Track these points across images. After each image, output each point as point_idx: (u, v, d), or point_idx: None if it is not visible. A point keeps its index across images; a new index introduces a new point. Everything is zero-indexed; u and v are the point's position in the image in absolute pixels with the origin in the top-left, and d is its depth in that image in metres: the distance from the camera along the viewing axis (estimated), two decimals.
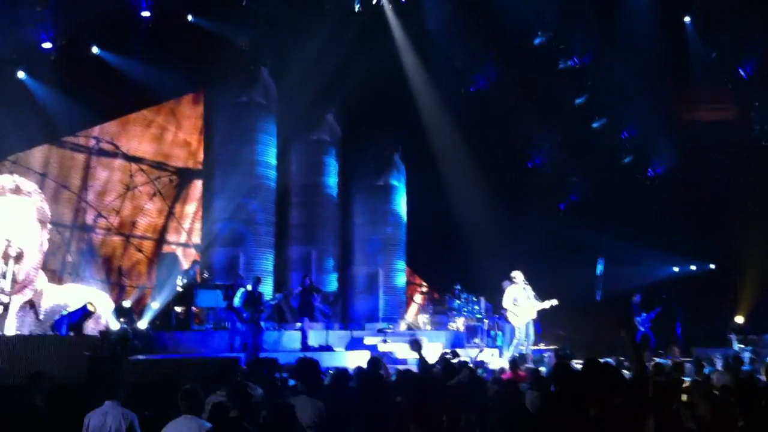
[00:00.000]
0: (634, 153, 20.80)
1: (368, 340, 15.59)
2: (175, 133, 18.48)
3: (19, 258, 13.48)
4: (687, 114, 19.94)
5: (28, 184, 14.99)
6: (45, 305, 14.61)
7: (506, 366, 11.37)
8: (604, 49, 18.82)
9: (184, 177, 18.54)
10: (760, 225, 18.17)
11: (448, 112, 19.71)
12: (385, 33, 18.22)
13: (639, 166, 21.01)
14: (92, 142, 16.89)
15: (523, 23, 18.18)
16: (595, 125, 20.25)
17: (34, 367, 8.24)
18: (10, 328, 13.22)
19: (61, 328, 12.28)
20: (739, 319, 18.20)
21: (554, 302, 14.80)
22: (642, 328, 16.52)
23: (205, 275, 16.01)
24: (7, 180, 14.63)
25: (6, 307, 12.94)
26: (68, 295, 14.93)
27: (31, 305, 14.50)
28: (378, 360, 8.81)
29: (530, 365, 11.22)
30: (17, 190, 14.76)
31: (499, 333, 17.02)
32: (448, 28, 18.64)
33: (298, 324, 14.91)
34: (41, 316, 14.21)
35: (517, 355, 13.39)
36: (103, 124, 17.04)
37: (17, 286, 13.69)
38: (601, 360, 9.77)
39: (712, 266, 20.80)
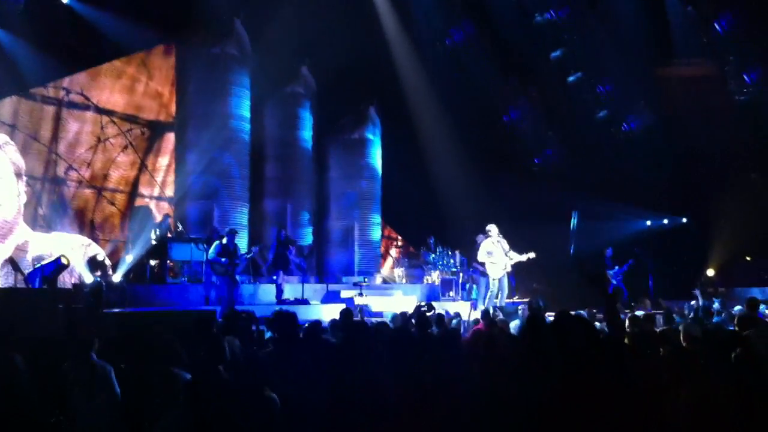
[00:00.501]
0: (610, 107, 20.84)
1: (344, 294, 15.64)
2: (147, 84, 18.19)
3: None
4: (663, 69, 19.96)
5: (0, 137, 14.84)
6: (32, 254, 14.66)
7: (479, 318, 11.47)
8: (580, 2, 18.75)
9: (156, 130, 18.32)
10: (732, 179, 18.38)
11: (424, 65, 19.62)
12: None
13: (614, 121, 21.06)
14: (62, 94, 16.60)
15: None
16: (570, 79, 20.25)
17: (7, 321, 8.17)
18: None
19: (34, 281, 12.21)
20: (710, 272, 18.47)
21: (532, 255, 14.89)
22: (614, 281, 16.73)
23: (179, 228, 15.93)
24: None
25: None
26: (55, 243, 14.98)
27: (14, 266, 14.49)
28: (350, 311, 8.85)
29: (501, 317, 11.35)
30: None
31: (474, 286, 17.16)
32: None
33: (274, 277, 14.93)
34: (27, 270, 14.15)
35: (491, 307, 13.52)
36: (72, 76, 16.74)
37: None
38: (573, 312, 9.91)
39: (684, 220, 21.02)
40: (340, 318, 8.48)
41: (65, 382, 5.86)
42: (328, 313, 12.74)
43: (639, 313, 11.27)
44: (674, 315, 10.45)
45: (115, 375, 5.95)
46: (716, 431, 4.69)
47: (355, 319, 10.60)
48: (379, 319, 10.93)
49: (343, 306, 12.20)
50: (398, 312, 9.80)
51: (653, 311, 13.33)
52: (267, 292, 14.90)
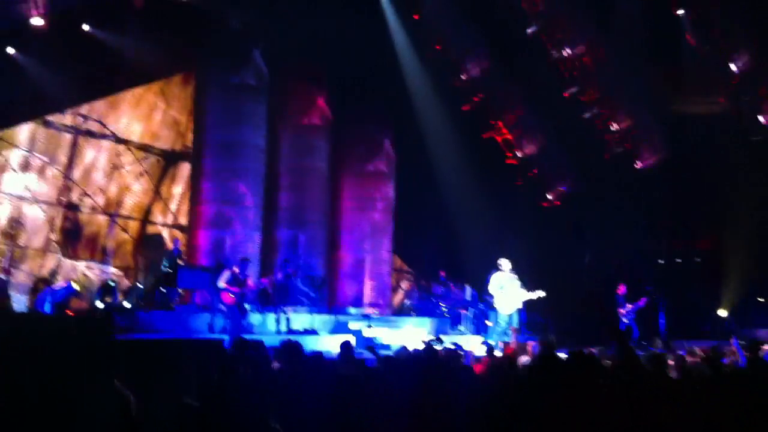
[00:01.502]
0: (624, 144, 20.77)
1: (353, 325, 15.60)
2: (165, 112, 18.39)
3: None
4: (677, 107, 19.98)
5: None
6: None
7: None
8: (595, 39, 18.82)
9: (171, 158, 18.49)
10: (745, 219, 18.28)
11: (440, 98, 19.73)
12: (378, 18, 18.25)
13: (628, 158, 20.99)
14: (79, 121, 16.81)
15: (516, 12, 18.22)
16: (586, 115, 20.22)
17: (18, 348, 8.15)
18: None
19: (43, 304, 12.22)
20: (723, 313, 18.30)
21: (541, 293, 14.81)
22: (626, 320, 16.58)
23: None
24: None
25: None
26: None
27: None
28: (350, 345, 8.79)
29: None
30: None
31: (486, 321, 17.05)
32: (441, 13, 18.66)
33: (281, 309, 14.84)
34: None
35: (501, 342, 13.46)
36: (91, 103, 16.95)
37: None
38: (585, 351, 9.84)
39: (698, 260, 20.88)
40: (340, 352, 8.43)
41: (84, 407, 5.72)
42: (336, 344, 12.71)
43: (660, 350, 11.16)
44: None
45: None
46: None
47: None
48: (385, 352, 10.89)
49: (350, 337, 12.20)
50: (404, 346, 9.72)
51: (664, 351, 13.19)
52: (275, 322, 14.89)
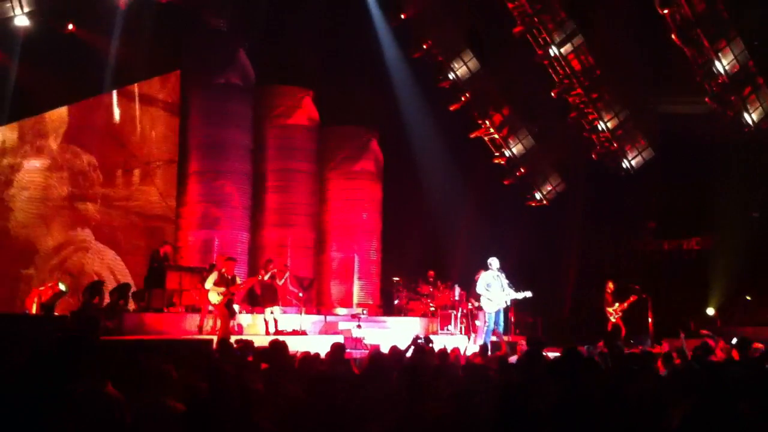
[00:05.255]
0: (609, 145, 20.73)
1: (342, 325, 15.57)
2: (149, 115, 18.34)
3: None
4: (663, 107, 20.03)
5: None
6: None
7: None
8: (581, 39, 18.78)
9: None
10: (732, 218, 18.36)
11: (427, 99, 19.77)
12: (364, 18, 18.30)
13: (614, 158, 20.99)
14: None
15: (501, 13, 18.30)
16: (571, 115, 20.22)
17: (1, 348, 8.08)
18: None
19: (30, 306, 12.13)
20: (710, 311, 18.36)
21: (528, 294, 14.83)
22: (613, 319, 16.62)
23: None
24: None
25: None
26: None
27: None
28: (342, 346, 8.75)
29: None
30: None
31: (475, 321, 17.05)
32: (428, 15, 18.71)
33: (269, 310, 14.78)
34: None
35: (488, 341, 13.47)
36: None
37: None
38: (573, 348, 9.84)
39: (686, 258, 20.93)
40: (331, 352, 8.39)
41: (76, 411, 5.61)
42: (325, 344, 12.67)
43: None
44: (673, 354, 10.35)
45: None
46: None
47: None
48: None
49: (339, 338, 12.18)
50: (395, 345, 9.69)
51: (652, 349, 13.22)
52: (264, 322, 14.84)
